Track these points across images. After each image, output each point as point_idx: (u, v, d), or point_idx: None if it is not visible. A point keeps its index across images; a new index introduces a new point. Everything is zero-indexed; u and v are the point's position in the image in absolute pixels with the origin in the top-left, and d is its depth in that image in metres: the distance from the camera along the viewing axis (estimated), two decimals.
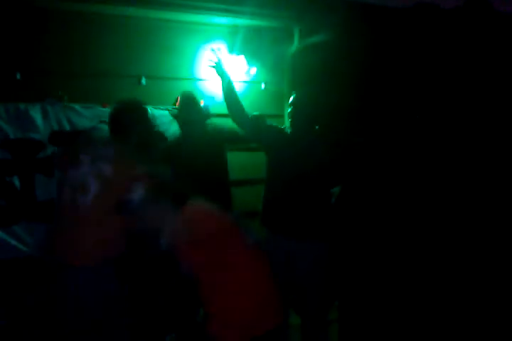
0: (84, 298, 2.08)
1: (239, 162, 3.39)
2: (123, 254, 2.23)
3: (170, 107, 3.58)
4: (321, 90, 3.06)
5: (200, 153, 2.85)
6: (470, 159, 3.31)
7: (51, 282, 2.14)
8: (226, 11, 3.53)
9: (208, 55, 2.87)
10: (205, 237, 1.93)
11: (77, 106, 3.27)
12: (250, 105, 3.49)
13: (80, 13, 3.29)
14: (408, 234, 2.95)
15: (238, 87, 3.46)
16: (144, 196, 1.98)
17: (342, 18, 3.67)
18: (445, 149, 3.29)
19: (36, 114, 3.16)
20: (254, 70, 3.89)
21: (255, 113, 3.06)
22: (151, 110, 3.48)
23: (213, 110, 3.67)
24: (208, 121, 3.08)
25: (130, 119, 2.36)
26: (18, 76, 3.13)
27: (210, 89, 3.74)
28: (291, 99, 2.78)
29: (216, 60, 2.78)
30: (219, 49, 2.82)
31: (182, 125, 3.06)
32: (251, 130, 2.82)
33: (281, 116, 3.85)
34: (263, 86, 3.97)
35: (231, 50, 3.74)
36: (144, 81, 3.51)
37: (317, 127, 2.79)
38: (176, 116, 3.14)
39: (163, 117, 3.53)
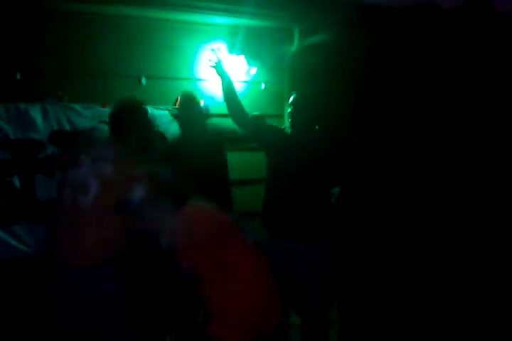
0: (84, 297, 2.08)
1: (239, 162, 3.39)
2: (123, 254, 2.22)
3: (170, 107, 3.58)
4: (320, 90, 3.05)
5: (200, 153, 2.85)
6: (470, 159, 3.31)
7: (51, 282, 2.14)
8: (226, 11, 3.53)
9: (208, 55, 2.87)
10: (204, 237, 1.93)
11: (77, 106, 3.27)
12: (250, 105, 3.48)
13: (79, 13, 3.29)
14: (408, 234, 2.95)
15: (238, 87, 3.46)
16: (144, 196, 1.98)
17: (342, 18, 3.67)
18: (445, 149, 3.29)
19: (36, 114, 3.16)
20: (254, 70, 3.89)
21: (255, 113, 3.06)
22: (151, 110, 3.49)
23: (213, 110, 3.68)
24: (208, 121, 3.08)
25: (130, 119, 2.36)
26: (18, 76, 3.13)
27: (210, 89, 3.74)
28: (291, 99, 2.78)
29: (216, 60, 2.78)
30: (219, 49, 2.82)
31: (182, 125, 3.05)
32: (251, 130, 2.82)
33: (281, 116, 3.85)
34: (263, 86, 3.97)
35: (231, 50, 3.74)
36: (143, 81, 3.51)
37: (317, 127, 2.79)
38: (175, 116, 3.14)
39: (163, 117, 3.53)
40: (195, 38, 3.72)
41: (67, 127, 3.25)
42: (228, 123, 2.91)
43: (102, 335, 2.12)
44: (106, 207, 2.08)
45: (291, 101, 2.76)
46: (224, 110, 2.87)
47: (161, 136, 3.35)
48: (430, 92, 3.64)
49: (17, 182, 3.10)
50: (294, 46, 3.93)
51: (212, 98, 3.72)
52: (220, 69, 2.78)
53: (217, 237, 1.95)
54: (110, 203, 2.06)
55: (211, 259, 1.93)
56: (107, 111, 3.30)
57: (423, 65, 3.70)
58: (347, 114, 3.54)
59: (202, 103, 3.69)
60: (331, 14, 3.68)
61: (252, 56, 3.83)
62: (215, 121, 3.18)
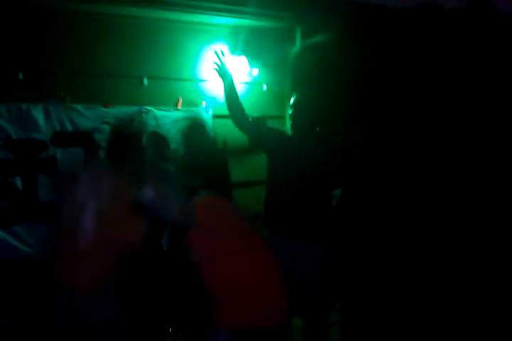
0: (84, 323, 2.10)
1: (240, 163, 3.39)
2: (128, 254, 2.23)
3: (172, 108, 3.58)
4: (322, 91, 3.05)
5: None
6: (471, 160, 3.31)
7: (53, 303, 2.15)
8: (228, 12, 3.53)
9: (211, 56, 2.87)
10: (214, 226, 1.97)
11: (79, 107, 3.28)
12: (252, 106, 3.49)
13: (81, 14, 3.30)
14: (409, 236, 2.95)
15: (240, 88, 3.46)
16: (155, 192, 2.01)
17: (344, 18, 3.67)
18: (446, 150, 3.29)
19: (38, 114, 3.17)
20: (256, 71, 3.88)
21: (256, 115, 3.06)
22: (153, 112, 3.51)
23: (215, 111, 3.69)
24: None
25: (125, 146, 2.35)
26: (21, 76, 3.13)
27: (212, 89, 3.74)
28: (291, 100, 2.78)
29: (218, 63, 2.78)
30: (221, 51, 2.81)
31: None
32: (251, 132, 2.82)
33: (283, 117, 3.84)
34: (265, 87, 3.96)
35: (233, 51, 3.73)
36: (145, 81, 3.51)
37: (318, 129, 2.79)
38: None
39: (165, 118, 3.53)
40: (197, 39, 3.71)
41: (70, 127, 3.25)
42: (229, 124, 2.90)
43: (102, 335, 2.13)
44: (102, 240, 2.08)
45: (292, 103, 2.76)
46: (225, 111, 2.87)
47: (165, 140, 3.32)
48: (431, 93, 3.63)
49: (19, 183, 3.11)
50: (296, 47, 3.92)
51: (214, 99, 3.72)
52: (222, 71, 2.79)
53: (226, 227, 2.00)
54: (108, 234, 2.07)
55: (218, 248, 1.97)
56: (109, 111, 3.34)
57: (425, 65, 3.70)
58: (349, 114, 3.54)
59: (204, 104, 3.71)
60: (332, 15, 3.68)
61: (254, 57, 3.82)
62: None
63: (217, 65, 2.79)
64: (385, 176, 2.93)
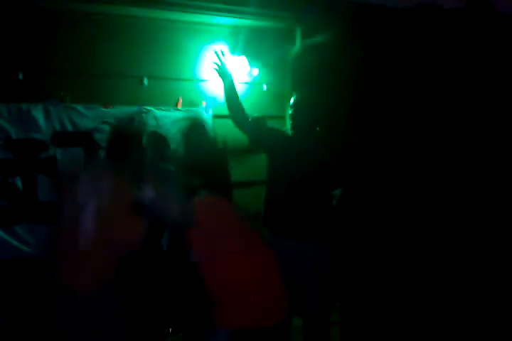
0: (84, 324, 2.10)
1: (240, 163, 3.39)
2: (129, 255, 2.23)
3: (172, 108, 3.59)
4: (321, 91, 3.05)
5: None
6: (471, 160, 3.31)
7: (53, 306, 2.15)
8: (228, 12, 3.53)
9: (211, 56, 2.87)
10: (214, 226, 1.97)
11: (79, 107, 3.28)
12: (252, 106, 3.49)
13: (81, 14, 3.30)
14: (410, 237, 2.95)
15: (240, 88, 3.46)
16: (155, 192, 2.01)
17: (344, 18, 3.67)
18: (445, 150, 3.29)
19: (38, 114, 3.17)
20: (256, 71, 3.88)
21: (256, 115, 3.06)
22: (153, 112, 3.51)
23: (215, 111, 3.69)
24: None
25: (124, 146, 2.35)
26: (21, 76, 3.13)
27: (212, 89, 3.74)
28: (291, 100, 2.78)
29: (218, 63, 2.78)
30: (221, 51, 2.81)
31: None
32: (251, 132, 2.82)
33: (283, 117, 3.85)
34: (265, 87, 3.97)
35: (233, 51, 3.73)
36: (145, 81, 3.51)
37: (318, 129, 2.79)
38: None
39: (165, 118, 3.53)
40: (197, 39, 3.71)
41: (69, 127, 3.26)
42: (229, 124, 2.90)
43: (102, 335, 2.13)
44: (102, 240, 2.08)
45: (292, 103, 2.76)
46: (225, 111, 2.87)
47: (165, 141, 3.31)
48: (431, 93, 3.64)
49: (19, 183, 3.11)
50: (296, 47, 3.92)
51: (213, 99, 3.72)
52: (222, 71, 2.79)
53: (226, 226, 2.00)
54: (108, 235, 2.07)
55: (217, 247, 1.97)
56: (109, 111, 3.34)
57: (424, 65, 3.70)
58: (349, 114, 3.54)
59: (204, 104, 3.71)
60: (332, 15, 3.68)
61: (254, 57, 3.83)
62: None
63: (217, 65, 2.79)
64: (384, 176, 2.94)
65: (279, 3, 3.63)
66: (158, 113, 3.51)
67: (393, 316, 2.89)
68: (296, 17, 3.79)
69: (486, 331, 2.92)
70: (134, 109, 3.44)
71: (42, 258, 2.42)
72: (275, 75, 4.00)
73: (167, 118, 3.54)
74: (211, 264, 2.01)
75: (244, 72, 3.83)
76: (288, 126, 2.92)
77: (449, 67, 3.65)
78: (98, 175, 2.21)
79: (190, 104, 3.68)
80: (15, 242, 3.07)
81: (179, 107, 3.63)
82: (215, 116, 3.70)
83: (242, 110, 2.77)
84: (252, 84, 3.94)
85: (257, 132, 2.82)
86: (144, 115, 3.46)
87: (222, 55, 2.81)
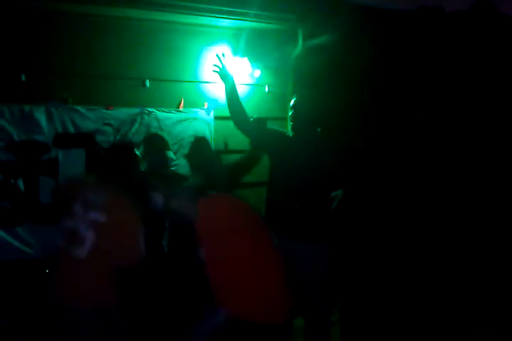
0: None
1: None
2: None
3: (174, 109, 3.59)
4: (322, 92, 3.05)
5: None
6: (472, 162, 3.31)
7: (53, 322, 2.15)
8: (230, 13, 3.53)
9: (212, 59, 2.87)
10: (227, 222, 2.00)
11: (81, 108, 3.28)
12: (254, 108, 3.50)
13: (84, 15, 3.30)
14: (411, 237, 2.95)
15: (242, 90, 3.47)
16: (164, 198, 2.03)
17: (345, 20, 3.67)
18: (447, 152, 3.29)
19: (41, 115, 3.18)
20: (257, 73, 3.89)
21: (257, 116, 3.06)
22: (154, 113, 3.51)
23: (216, 112, 3.69)
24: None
25: (120, 163, 2.35)
26: (23, 77, 3.14)
27: (213, 91, 3.75)
28: (291, 102, 2.79)
29: (220, 65, 2.78)
30: (223, 54, 2.82)
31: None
32: (252, 134, 2.83)
33: (285, 118, 3.84)
34: (267, 88, 3.97)
35: (235, 53, 3.74)
36: (148, 83, 3.51)
37: (319, 130, 2.79)
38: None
39: (166, 120, 3.54)
40: (199, 41, 3.72)
41: (72, 129, 3.26)
42: (231, 126, 2.90)
43: (102, 335, 2.12)
44: (104, 254, 2.09)
45: (292, 104, 2.76)
46: (227, 113, 2.88)
47: (165, 143, 3.28)
48: (433, 94, 3.64)
49: (21, 184, 3.12)
50: (298, 48, 3.93)
51: (215, 100, 3.73)
52: (224, 74, 2.79)
53: (236, 225, 2.02)
54: (107, 250, 2.08)
55: (225, 246, 1.98)
56: (111, 113, 3.35)
57: (426, 67, 3.70)
58: (347, 115, 3.55)
59: (206, 106, 3.72)
60: (334, 16, 3.68)
61: (256, 58, 3.83)
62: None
63: (219, 67, 2.79)
64: (386, 177, 2.94)
65: (281, 6, 3.63)
66: (160, 114, 3.52)
67: (393, 316, 2.88)
68: (298, 19, 3.79)
69: (486, 331, 2.92)
70: (135, 110, 3.45)
71: (43, 259, 2.42)
72: (277, 77, 4.01)
73: (169, 120, 3.55)
74: (217, 263, 2.01)
75: (247, 73, 3.84)
76: (288, 127, 2.93)
77: (451, 70, 3.65)
78: (98, 189, 2.21)
79: (192, 105, 3.69)
80: (17, 243, 3.07)
81: (181, 108, 3.64)
82: (217, 118, 3.71)
83: (244, 112, 2.78)
84: (254, 86, 3.94)
85: (259, 133, 2.82)
86: (145, 116, 3.47)
87: (224, 57, 2.81)
